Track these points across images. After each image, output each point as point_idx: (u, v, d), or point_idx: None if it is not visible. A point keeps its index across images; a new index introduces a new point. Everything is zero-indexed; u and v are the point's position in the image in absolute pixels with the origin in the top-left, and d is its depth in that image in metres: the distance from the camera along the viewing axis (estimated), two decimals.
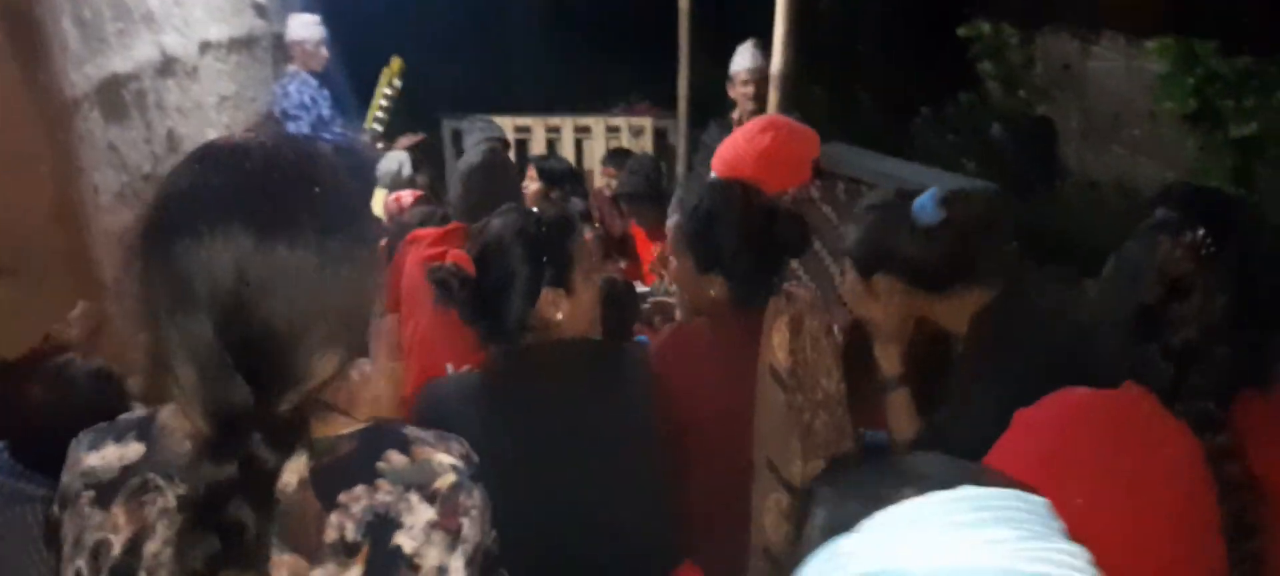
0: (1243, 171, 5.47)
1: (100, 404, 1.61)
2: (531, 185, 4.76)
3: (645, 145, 6.57)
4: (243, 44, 5.06)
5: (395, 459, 0.99)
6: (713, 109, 6.71)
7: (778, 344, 1.85)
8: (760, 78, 4.93)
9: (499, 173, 2.85)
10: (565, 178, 4.73)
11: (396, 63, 5.68)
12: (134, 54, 3.61)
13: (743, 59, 5.08)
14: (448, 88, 6.77)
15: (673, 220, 2.09)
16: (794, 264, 2.83)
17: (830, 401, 1.87)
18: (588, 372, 1.76)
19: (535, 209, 4.57)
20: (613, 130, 6.59)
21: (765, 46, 4.96)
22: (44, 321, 2.43)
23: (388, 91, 5.62)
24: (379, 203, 5.05)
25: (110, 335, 2.41)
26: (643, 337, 3.24)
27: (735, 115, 5.08)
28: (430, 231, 3.02)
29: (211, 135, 4.41)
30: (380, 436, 1.00)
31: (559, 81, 7.37)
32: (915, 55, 7.58)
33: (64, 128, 3.01)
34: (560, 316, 1.72)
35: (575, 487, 1.64)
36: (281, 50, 5.62)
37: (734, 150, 2.77)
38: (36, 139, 2.89)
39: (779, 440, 1.83)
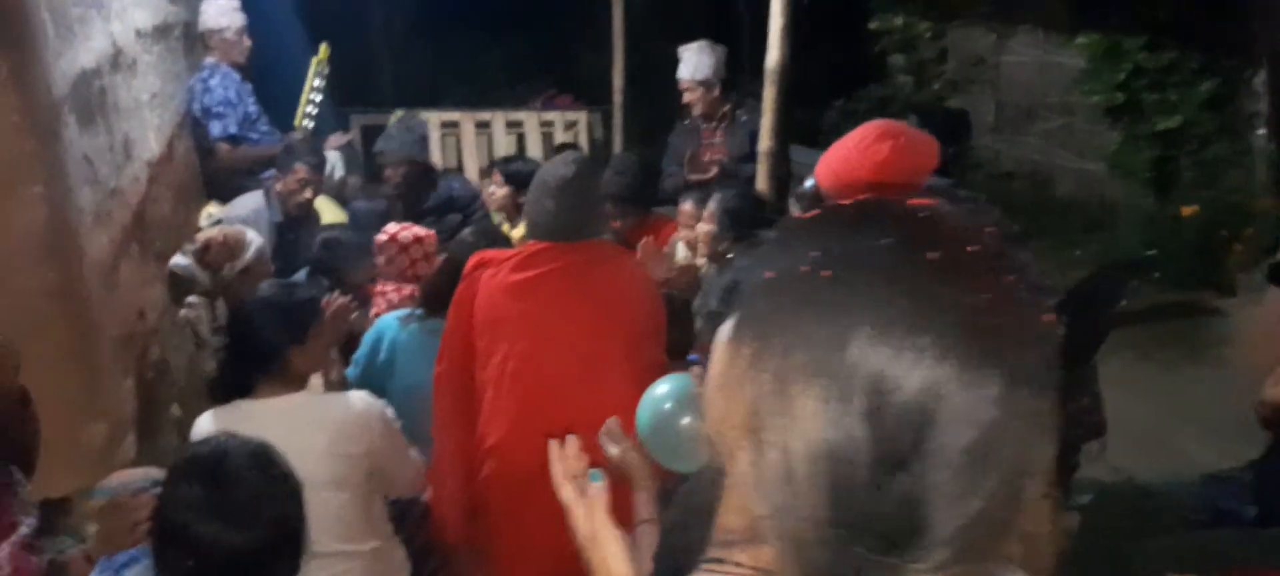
0: (1164, 162, 5.77)
1: None
2: (497, 190, 4.44)
3: (580, 140, 6.32)
4: (161, 33, 4.48)
5: None
6: (642, 102, 6.57)
7: None
8: (708, 86, 4.83)
9: (592, 185, 2.57)
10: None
11: (324, 50, 5.20)
12: (93, 45, 3.08)
13: (687, 66, 4.93)
14: (360, 82, 6.30)
15: None
16: None
17: None
18: None
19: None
20: (546, 124, 6.30)
21: (710, 49, 4.87)
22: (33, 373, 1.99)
23: (317, 83, 5.13)
24: (326, 208, 4.60)
25: None
26: (694, 357, 3.05)
27: (696, 113, 4.93)
28: (501, 253, 2.71)
29: (151, 140, 3.90)
30: None
31: (476, 75, 6.99)
32: (828, 48, 7.63)
33: (52, 137, 2.51)
34: None
35: None
36: (192, 41, 5.03)
37: (845, 161, 2.59)
38: (25, 150, 2.39)
39: None
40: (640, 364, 2.54)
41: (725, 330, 0.77)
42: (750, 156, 4.56)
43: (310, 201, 4.39)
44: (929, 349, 0.65)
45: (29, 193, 2.39)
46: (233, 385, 2.41)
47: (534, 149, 6.17)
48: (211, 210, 4.42)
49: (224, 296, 3.11)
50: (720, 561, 0.75)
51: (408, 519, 2.84)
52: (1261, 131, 5.49)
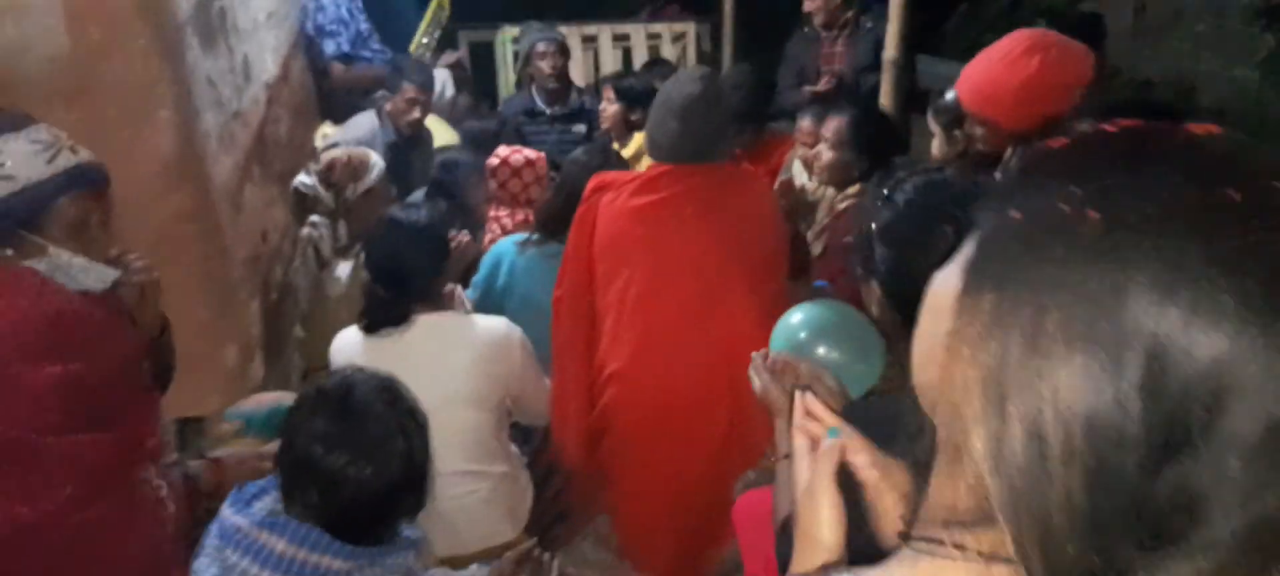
0: None
1: None
2: (609, 106, 4.34)
3: (688, 53, 6.14)
4: None
5: None
6: (754, 10, 6.32)
7: None
8: None
9: (720, 104, 2.45)
10: (647, 98, 4.30)
11: None
12: None
13: None
14: None
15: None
16: None
17: None
18: None
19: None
20: (653, 37, 6.14)
21: None
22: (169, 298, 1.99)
23: (439, 19, 5.10)
24: (438, 127, 4.58)
25: None
26: (821, 282, 2.93)
27: (817, 22, 4.70)
28: (622, 175, 2.63)
29: (269, 60, 3.91)
30: None
31: None
32: None
33: (178, 60, 2.51)
34: None
35: None
36: None
37: (990, 76, 2.42)
38: (154, 75, 2.39)
39: None
40: (765, 293, 2.45)
41: (949, 277, 0.67)
42: (874, 67, 4.34)
43: (420, 121, 4.38)
44: (1228, 311, 0.53)
45: (159, 117, 2.39)
46: (389, 312, 2.41)
47: (641, 62, 6.03)
48: (326, 130, 4.45)
49: (346, 217, 3.12)
50: (937, 542, 0.66)
51: (528, 442, 2.84)
52: None
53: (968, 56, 6.94)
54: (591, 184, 2.57)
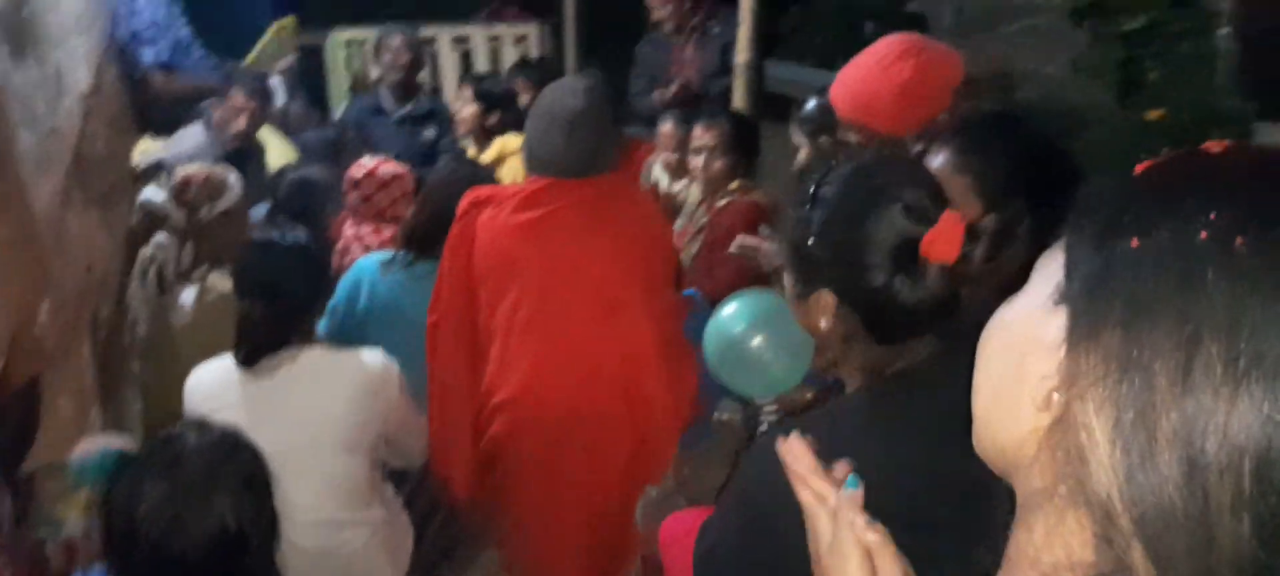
0: (1131, 64, 5.70)
1: None
2: (466, 108, 4.18)
3: (530, 55, 6.01)
4: None
5: None
6: (595, 13, 6.24)
7: None
8: None
9: (606, 116, 2.35)
10: (505, 101, 4.17)
11: (290, 21, 4.85)
12: None
13: None
14: None
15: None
16: None
17: None
18: None
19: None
20: (493, 39, 5.97)
21: None
22: None
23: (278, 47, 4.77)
24: (272, 140, 4.28)
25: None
26: (691, 291, 2.89)
27: (666, 29, 4.66)
28: (498, 190, 2.49)
29: (83, 71, 3.52)
30: None
31: None
32: None
33: None
34: None
35: None
36: None
37: (865, 82, 2.41)
38: None
39: None
40: (660, 304, 2.38)
41: (1035, 316, 0.62)
42: (722, 72, 4.34)
43: (249, 132, 4.08)
44: None
45: None
46: (269, 336, 2.19)
47: (481, 66, 5.86)
48: (147, 144, 4.07)
49: (195, 238, 2.85)
50: None
51: (405, 481, 2.66)
52: (1225, 30, 5.44)
53: (807, 60, 7.08)
54: (465, 200, 2.42)
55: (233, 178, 3.02)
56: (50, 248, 2.44)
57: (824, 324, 1.27)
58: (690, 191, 3.54)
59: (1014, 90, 6.67)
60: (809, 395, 2.01)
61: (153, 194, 2.89)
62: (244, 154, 4.04)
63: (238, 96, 3.93)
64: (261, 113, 4.06)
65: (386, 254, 2.83)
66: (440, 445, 2.48)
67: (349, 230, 3.14)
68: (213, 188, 2.96)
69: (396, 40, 4.56)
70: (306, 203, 3.30)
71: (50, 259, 2.41)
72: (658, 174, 3.92)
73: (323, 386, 2.25)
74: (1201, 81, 5.40)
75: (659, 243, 2.46)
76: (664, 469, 2.34)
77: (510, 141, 3.98)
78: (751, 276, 3.14)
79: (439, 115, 4.68)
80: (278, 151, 4.27)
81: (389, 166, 3.17)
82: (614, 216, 2.35)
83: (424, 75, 5.71)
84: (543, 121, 2.32)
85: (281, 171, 3.73)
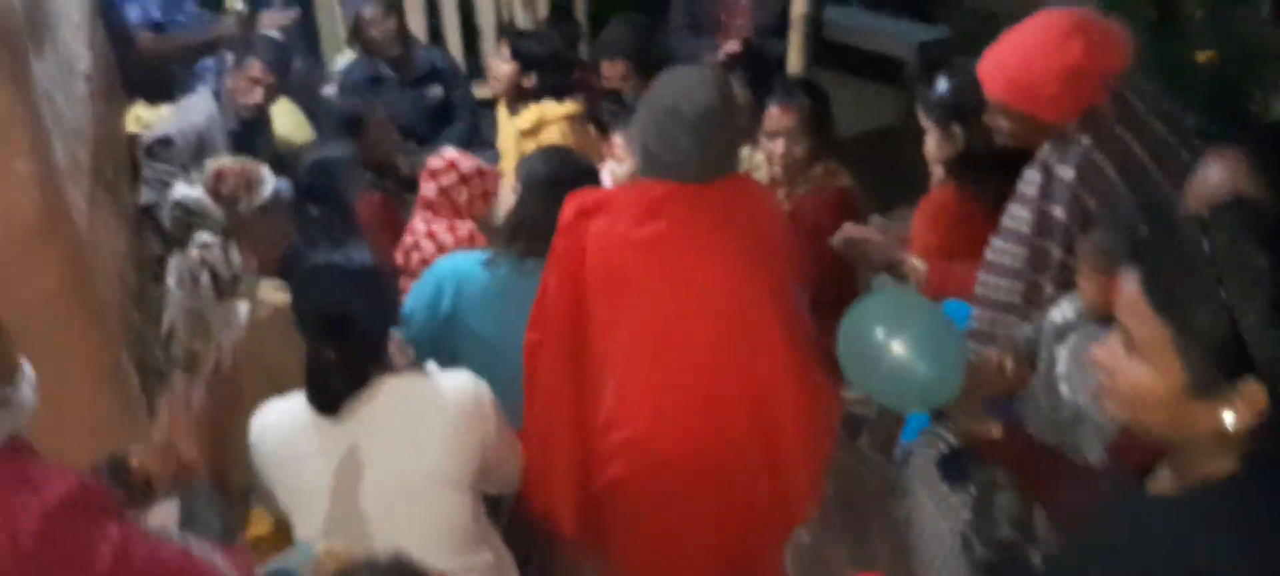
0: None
1: None
2: (502, 66, 3.82)
3: (539, 2, 5.60)
4: None
5: None
6: None
7: None
8: None
9: (736, 111, 2.06)
10: (548, 62, 3.81)
11: None
12: None
13: None
14: None
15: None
16: None
17: None
18: None
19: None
20: None
21: None
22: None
23: None
24: (279, 108, 3.89)
25: None
26: None
27: None
28: (611, 195, 2.19)
29: (82, 48, 3.10)
30: None
31: None
32: None
33: (23, 81, 1.85)
34: None
35: None
36: None
37: (1026, 63, 2.14)
38: (4, 110, 1.74)
39: None
40: (791, 318, 2.13)
41: None
42: (780, 28, 4.01)
43: (263, 105, 3.71)
44: None
45: (16, 170, 1.74)
46: (346, 380, 1.93)
47: (486, 10, 5.45)
48: (140, 113, 3.67)
49: (238, 238, 2.52)
50: None
51: (499, 512, 2.41)
52: None
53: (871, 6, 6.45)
54: (571, 207, 2.12)
55: (266, 170, 2.69)
56: (98, 277, 2.12)
57: (1240, 420, 1.07)
58: (759, 167, 3.23)
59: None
60: (995, 432, 1.79)
61: (187, 190, 2.54)
62: (253, 124, 3.68)
63: (255, 66, 3.55)
64: (280, 84, 3.68)
65: (481, 253, 2.52)
66: (539, 476, 2.22)
67: (419, 225, 2.82)
68: (249, 179, 2.63)
69: (371, 11, 4.21)
70: (328, 184, 2.98)
71: (100, 290, 2.09)
72: None
73: (414, 424, 1.98)
74: (1245, 15, 5.17)
75: (784, 242, 2.20)
76: (806, 505, 2.11)
77: (550, 109, 3.65)
78: (843, 271, 2.90)
79: (441, 72, 4.37)
80: (286, 122, 3.91)
81: (470, 161, 2.85)
82: (741, 222, 2.08)
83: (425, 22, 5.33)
84: (663, 119, 2.02)
85: (297, 151, 3.38)
